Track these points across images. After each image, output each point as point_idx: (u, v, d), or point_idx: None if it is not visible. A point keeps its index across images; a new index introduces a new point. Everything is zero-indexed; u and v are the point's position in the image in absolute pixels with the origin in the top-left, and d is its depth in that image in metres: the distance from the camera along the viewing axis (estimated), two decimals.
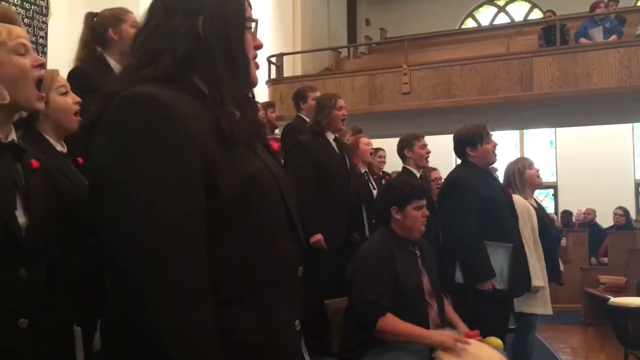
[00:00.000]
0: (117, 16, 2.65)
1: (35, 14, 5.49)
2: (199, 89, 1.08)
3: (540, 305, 3.66)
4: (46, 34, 5.59)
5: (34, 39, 5.38)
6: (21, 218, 1.38)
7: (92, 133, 1.01)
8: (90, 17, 2.69)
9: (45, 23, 5.61)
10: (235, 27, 1.12)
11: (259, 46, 1.20)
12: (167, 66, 1.06)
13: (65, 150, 1.84)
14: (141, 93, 0.98)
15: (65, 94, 1.85)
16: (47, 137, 1.80)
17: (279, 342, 1.07)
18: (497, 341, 2.76)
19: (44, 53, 5.48)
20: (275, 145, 1.24)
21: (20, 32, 1.45)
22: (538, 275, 3.57)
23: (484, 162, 3.43)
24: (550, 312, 3.72)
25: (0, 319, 1.30)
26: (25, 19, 5.31)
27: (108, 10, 2.70)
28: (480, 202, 3.23)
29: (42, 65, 1.48)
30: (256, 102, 1.21)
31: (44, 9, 5.61)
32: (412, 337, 2.48)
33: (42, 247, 1.40)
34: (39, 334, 1.36)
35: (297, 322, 1.14)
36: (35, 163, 1.47)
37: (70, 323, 1.48)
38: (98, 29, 2.65)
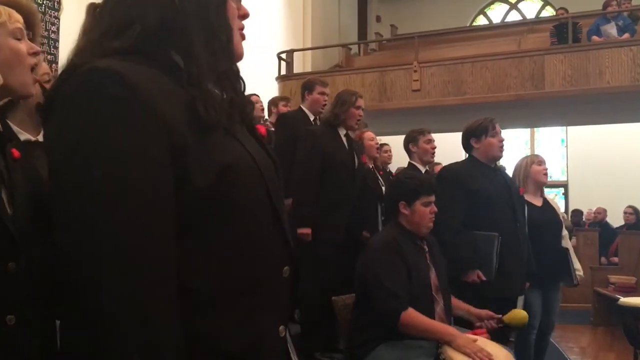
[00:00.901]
0: None
1: (47, 9, 5.52)
2: (174, 64, 0.95)
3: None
4: (58, 28, 5.62)
5: (45, 33, 5.41)
6: (7, 210, 1.31)
7: (49, 113, 0.89)
8: (93, 8, 2.69)
9: (57, 18, 5.64)
10: None
11: (244, 15, 1.07)
12: (136, 37, 0.93)
13: (35, 139, 1.72)
14: (102, 68, 0.85)
15: (48, 82, 1.78)
16: (11, 124, 1.69)
17: (261, 350, 0.95)
18: (522, 313, 2.75)
19: (56, 48, 5.52)
20: (263, 130, 1.12)
21: (18, 17, 1.41)
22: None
23: (488, 156, 3.38)
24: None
25: None
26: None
27: None
28: (469, 195, 3.20)
29: (36, 54, 1.44)
30: (240, 78, 1.04)
31: (55, 3, 5.64)
32: (435, 334, 2.46)
33: (28, 240, 1.33)
34: (26, 331, 1.30)
35: (281, 327, 1.02)
36: (16, 153, 1.40)
37: (53, 319, 1.39)
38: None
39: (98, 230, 0.80)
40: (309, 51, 10.65)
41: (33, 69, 1.43)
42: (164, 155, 0.85)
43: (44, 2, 5.52)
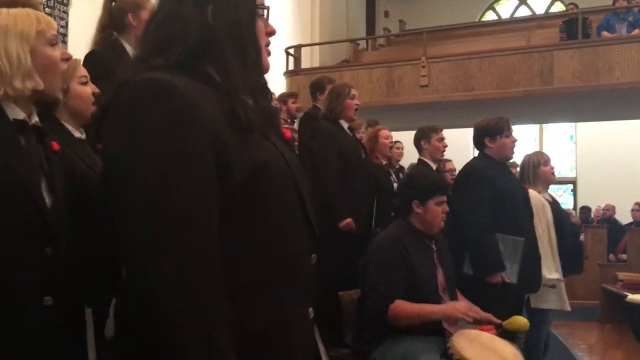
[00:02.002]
0: (137, 2, 2.68)
1: (56, 4, 5.53)
2: (211, 77, 1.08)
3: (556, 300, 3.63)
4: (67, 23, 5.63)
5: None
6: (47, 198, 1.43)
7: (105, 119, 1.02)
8: (109, 2, 2.72)
9: (66, 12, 5.66)
10: (246, 15, 1.11)
11: (271, 32, 1.19)
12: (179, 55, 1.06)
13: (83, 137, 1.90)
14: (154, 79, 0.98)
15: (85, 83, 1.91)
16: (64, 123, 1.85)
17: (290, 331, 1.06)
18: (522, 320, 2.73)
19: (65, 42, 5.53)
20: (289, 133, 1.24)
21: (54, 24, 1.52)
22: (551, 270, 3.55)
23: (501, 156, 3.40)
24: (567, 307, 3.70)
25: (27, 295, 1.35)
26: (47, 9, 5.35)
27: None
28: (496, 194, 3.20)
29: (68, 59, 1.56)
30: (269, 90, 1.19)
31: None
32: (424, 315, 2.49)
33: (65, 227, 1.45)
34: (62, 312, 1.40)
35: (310, 309, 1.13)
36: (55, 145, 1.52)
37: (83, 305, 1.51)
38: (116, 14, 2.68)
39: (153, 224, 0.91)
40: (317, 46, 10.64)
41: (71, 74, 1.61)
42: (210, 155, 0.96)
43: None
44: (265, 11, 1.18)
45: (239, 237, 1.02)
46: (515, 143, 3.42)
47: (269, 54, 1.19)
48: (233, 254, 1.00)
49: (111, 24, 2.70)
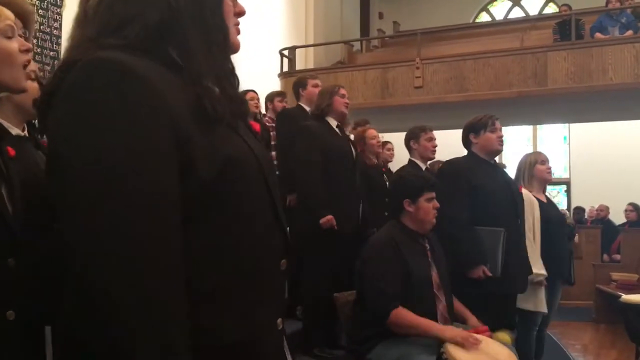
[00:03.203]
0: None
1: (49, 5, 5.51)
2: (174, 61, 0.96)
3: (533, 301, 3.61)
4: (60, 25, 5.61)
5: (48, 30, 5.41)
6: (8, 206, 1.33)
7: (49, 108, 0.89)
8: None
9: (60, 14, 5.64)
10: None
11: (240, 12, 1.08)
12: (137, 35, 0.93)
13: (23, 134, 1.72)
14: (108, 58, 0.86)
15: (34, 79, 1.75)
16: (1, 120, 1.68)
17: (259, 342, 0.96)
18: (506, 336, 2.75)
19: (58, 44, 5.51)
20: (257, 126, 1.18)
21: (9, 14, 1.41)
22: (537, 265, 3.55)
23: (487, 151, 3.40)
24: (542, 309, 3.67)
25: None
26: (40, 10, 5.34)
27: None
28: (471, 189, 3.20)
29: (28, 51, 1.44)
30: (236, 76, 1.06)
31: (58, 0, 5.64)
32: (423, 330, 2.48)
33: (27, 237, 1.35)
34: (25, 327, 1.31)
35: (279, 320, 1.03)
36: (11, 150, 1.42)
37: (53, 315, 1.43)
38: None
39: (103, 222, 0.79)
40: (311, 48, 10.63)
41: (26, 65, 1.44)
42: (169, 145, 0.85)
43: None
44: None
45: (204, 240, 0.91)
46: (502, 137, 3.42)
47: (238, 32, 1.08)
48: (198, 258, 0.89)
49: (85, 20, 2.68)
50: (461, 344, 2.38)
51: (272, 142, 4.76)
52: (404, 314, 2.47)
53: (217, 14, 1.00)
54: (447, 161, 3.56)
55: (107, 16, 0.97)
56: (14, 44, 1.40)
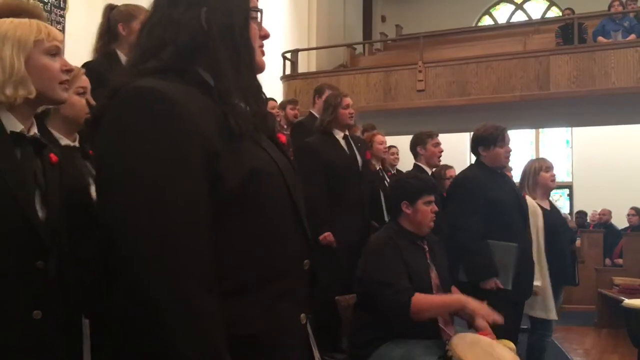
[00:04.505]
0: (131, 12, 2.68)
1: (52, 7, 5.53)
2: (203, 80, 1.08)
3: (541, 308, 3.61)
4: (63, 27, 5.63)
5: None
6: (39, 212, 1.42)
7: (97, 128, 1.02)
8: (109, 9, 2.73)
9: (63, 17, 5.66)
10: (239, 18, 1.11)
11: (265, 36, 1.19)
12: (170, 57, 1.06)
13: (74, 144, 1.88)
14: (144, 87, 0.99)
15: (82, 94, 1.91)
16: (52, 130, 1.84)
17: (282, 335, 1.06)
18: (509, 344, 2.74)
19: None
20: (283, 138, 1.23)
21: (57, 35, 1.53)
22: (537, 276, 3.55)
23: (494, 165, 3.43)
24: (552, 316, 3.67)
25: (16, 309, 1.34)
26: (43, 13, 5.36)
27: (125, 5, 2.73)
28: (486, 202, 3.23)
29: (69, 71, 1.56)
30: (263, 93, 1.18)
31: (61, 2, 5.66)
32: (449, 305, 2.58)
33: (57, 240, 1.44)
34: (51, 326, 1.39)
35: (302, 315, 1.13)
36: (54, 157, 1.52)
37: (80, 316, 1.50)
38: (112, 22, 2.68)
39: (145, 231, 0.92)
40: (314, 51, 10.64)
41: (64, 83, 1.55)
42: (200, 162, 0.97)
43: (50, 0, 5.54)
44: (259, 14, 1.17)
45: (232, 242, 1.02)
46: (510, 153, 3.45)
47: (263, 53, 1.19)
48: (226, 258, 1.01)
49: (108, 32, 2.70)
50: (484, 316, 2.49)
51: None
52: (422, 299, 2.48)
53: (244, 36, 1.11)
54: (461, 173, 3.58)
55: (148, 41, 1.10)
56: (57, 64, 1.52)
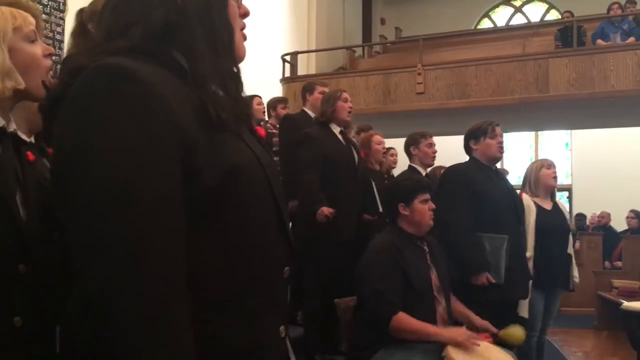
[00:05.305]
0: (95, 10, 2.69)
1: (52, 10, 5.54)
2: (178, 64, 0.95)
3: (524, 308, 3.57)
4: (63, 29, 5.63)
5: (50, 34, 5.43)
6: (22, 211, 1.33)
7: (55, 113, 0.88)
8: (80, 12, 2.77)
9: (62, 19, 5.66)
10: None
11: (245, 14, 1.07)
12: (140, 37, 0.92)
13: (31, 140, 1.70)
14: (114, 65, 0.85)
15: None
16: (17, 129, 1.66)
17: (264, 349, 0.95)
18: (519, 331, 2.74)
19: (61, 49, 5.53)
20: (262, 132, 1.12)
21: (32, 20, 1.43)
22: None
23: (487, 157, 3.40)
24: (523, 313, 3.64)
25: None
26: (43, 15, 5.36)
27: (89, 5, 2.75)
28: (474, 195, 3.20)
29: (51, 55, 1.45)
30: (241, 80, 1.03)
31: (61, 4, 5.66)
32: (425, 334, 2.47)
33: (38, 242, 1.35)
34: (31, 334, 1.30)
35: (281, 327, 1.02)
36: (31, 155, 1.42)
37: (55, 325, 1.37)
38: (85, 24, 2.72)
39: (107, 230, 0.79)
40: (313, 53, 10.66)
41: (50, 69, 1.45)
42: (174, 153, 0.84)
43: (49, 3, 5.54)
44: None
45: (209, 247, 0.90)
46: (502, 144, 3.43)
47: (244, 37, 1.06)
48: (203, 268, 0.89)
49: (82, 33, 2.74)
50: (463, 344, 2.38)
51: (275, 149, 4.78)
52: (404, 320, 2.47)
53: (222, 14, 0.99)
54: (449, 167, 3.56)
55: (112, 19, 0.96)
56: (38, 49, 1.41)
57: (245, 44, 1.08)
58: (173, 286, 0.81)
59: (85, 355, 0.83)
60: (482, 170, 3.37)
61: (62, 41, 5.59)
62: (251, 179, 0.94)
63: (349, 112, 3.93)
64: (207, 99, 0.91)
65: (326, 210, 3.55)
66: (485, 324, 2.81)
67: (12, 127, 1.38)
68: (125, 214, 0.79)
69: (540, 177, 3.88)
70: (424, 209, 2.73)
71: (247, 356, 0.92)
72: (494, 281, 3.11)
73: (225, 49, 0.98)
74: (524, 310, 3.56)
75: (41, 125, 1.59)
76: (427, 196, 2.77)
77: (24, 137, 1.60)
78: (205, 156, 0.87)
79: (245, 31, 1.08)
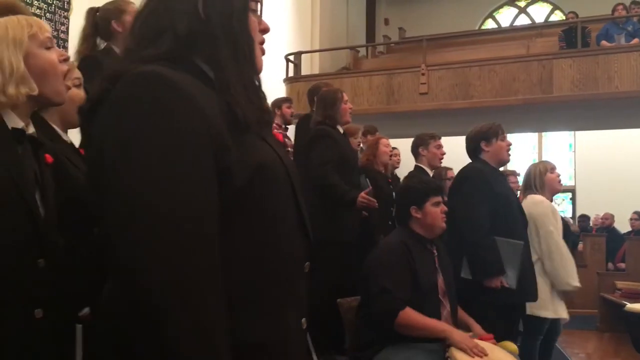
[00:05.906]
0: (119, 8, 2.70)
1: (56, 9, 5.55)
2: (203, 72, 1.01)
3: (550, 309, 3.59)
4: (67, 29, 5.64)
5: (55, 33, 5.44)
6: (41, 209, 1.40)
7: (93, 117, 0.94)
8: (93, 12, 2.76)
9: (67, 18, 5.67)
10: (238, 6, 1.04)
11: (264, 29, 1.12)
12: (169, 46, 0.99)
13: (69, 140, 1.84)
14: (151, 71, 0.91)
15: (79, 86, 1.87)
16: (53, 126, 1.79)
17: (286, 341, 1.01)
18: (512, 346, 2.74)
19: (65, 48, 5.54)
20: (280, 137, 1.21)
21: (48, 27, 1.50)
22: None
23: (497, 160, 3.40)
24: (565, 316, 3.66)
25: (18, 308, 1.32)
26: (47, 14, 5.37)
27: (110, 3, 2.75)
28: (493, 197, 3.18)
29: (66, 60, 1.53)
30: (262, 89, 1.10)
31: (65, 3, 5.67)
32: (436, 330, 2.48)
33: (57, 238, 1.43)
34: (51, 327, 1.37)
35: (303, 320, 1.07)
36: (49, 158, 1.50)
37: (74, 319, 1.47)
38: (101, 23, 2.72)
39: (149, 227, 0.83)
40: (317, 53, 10.65)
41: (65, 74, 1.53)
42: (211, 155, 0.89)
43: (54, 2, 5.55)
44: (259, 5, 1.11)
45: (237, 247, 0.95)
46: (510, 147, 3.43)
47: (263, 52, 1.12)
48: (231, 264, 0.93)
49: (97, 33, 2.73)
50: (466, 350, 2.37)
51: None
52: (412, 315, 2.47)
53: (243, 26, 1.05)
54: (465, 167, 3.47)
55: (143, 30, 1.04)
56: (54, 55, 1.48)
57: None
58: (212, 284, 0.86)
59: (127, 348, 0.87)
60: (494, 173, 3.37)
61: (66, 40, 5.60)
62: (276, 177, 1.01)
63: (350, 113, 3.94)
64: (235, 103, 0.97)
65: (363, 193, 3.52)
66: (488, 337, 2.79)
67: (31, 129, 1.45)
68: (167, 218, 0.84)
69: (547, 181, 3.85)
70: (436, 211, 2.73)
71: (271, 348, 0.98)
72: (507, 285, 3.10)
73: (246, 58, 1.04)
74: (536, 309, 3.55)
75: (74, 124, 1.74)
76: (439, 199, 2.77)
77: (65, 135, 1.77)
78: (235, 157, 0.93)
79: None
